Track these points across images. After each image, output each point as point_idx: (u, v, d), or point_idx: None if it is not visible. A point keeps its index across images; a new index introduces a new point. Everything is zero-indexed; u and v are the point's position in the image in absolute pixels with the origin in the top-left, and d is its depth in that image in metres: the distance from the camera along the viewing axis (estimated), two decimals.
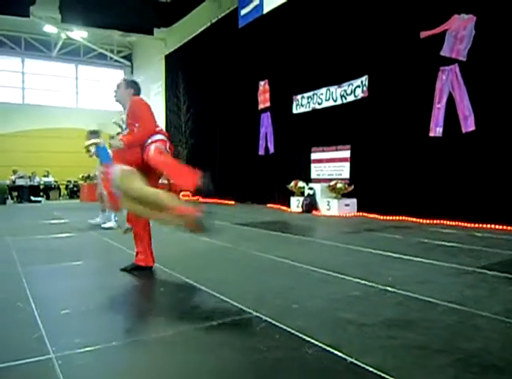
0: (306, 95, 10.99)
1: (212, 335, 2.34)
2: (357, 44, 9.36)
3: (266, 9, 11.98)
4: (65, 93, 22.78)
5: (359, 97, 9.44)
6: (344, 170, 9.86)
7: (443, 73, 7.58)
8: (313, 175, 10.83)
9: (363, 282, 3.39)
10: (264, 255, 4.64)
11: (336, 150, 10.07)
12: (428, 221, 7.53)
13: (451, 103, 7.46)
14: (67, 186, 20.37)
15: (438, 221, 7.39)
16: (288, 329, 2.37)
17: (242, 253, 4.86)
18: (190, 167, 3.68)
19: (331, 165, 10.24)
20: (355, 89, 9.52)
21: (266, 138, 12.55)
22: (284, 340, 2.23)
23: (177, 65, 17.54)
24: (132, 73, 23.55)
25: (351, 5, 9.55)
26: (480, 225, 6.80)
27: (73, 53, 22.31)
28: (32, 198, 17.21)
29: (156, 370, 1.96)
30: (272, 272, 3.93)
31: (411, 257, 4.37)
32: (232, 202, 13.37)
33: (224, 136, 14.70)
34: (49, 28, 18.92)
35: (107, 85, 22.32)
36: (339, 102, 9.98)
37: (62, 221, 8.78)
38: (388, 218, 8.24)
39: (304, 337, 2.25)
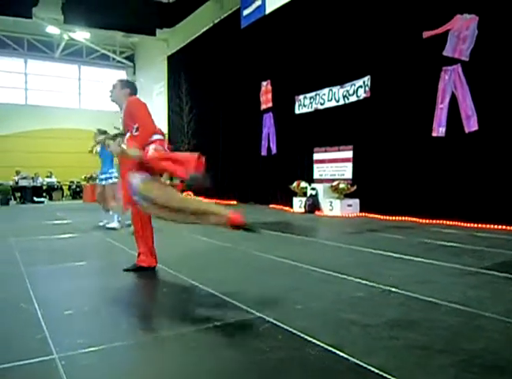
0: (308, 95, 10.99)
1: (214, 336, 2.34)
2: (359, 44, 9.35)
3: (268, 10, 11.98)
4: (67, 94, 22.82)
5: (361, 97, 9.43)
6: (347, 171, 9.85)
7: (446, 73, 7.57)
8: (315, 176, 10.83)
9: (365, 282, 3.39)
10: (266, 255, 4.65)
11: (339, 150, 10.07)
12: (430, 221, 7.52)
13: (454, 102, 7.45)
14: (70, 187, 20.42)
15: (441, 221, 7.38)
16: (291, 330, 2.37)
17: (244, 254, 4.86)
18: (190, 155, 3.45)
19: (333, 165, 10.23)
20: (358, 89, 9.52)
21: (269, 138, 12.55)
22: (287, 341, 2.23)
23: (179, 66, 17.56)
24: (134, 73, 23.58)
25: (353, 5, 9.55)
26: (483, 225, 6.79)
27: (75, 54, 22.35)
28: (35, 199, 17.25)
29: (159, 370, 1.96)
30: (275, 272, 3.93)
31: (413, 258, 4.36)
32: (235, 202, 13.37)
33: (227, 136, 14.71)
34: (51, 29, 18.96)
35: (109, 86, 22.33)
36: (341, 102, 9.98)
37: (65, 222, 8.80)
38: (390, 218, 8.23)
39: (307, 337, 2.25)
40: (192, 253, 4.95)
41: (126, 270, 3.98)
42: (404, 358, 2.01)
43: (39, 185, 18.21)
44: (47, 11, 16.42)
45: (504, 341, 2.19)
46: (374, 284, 3.32)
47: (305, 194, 10.35)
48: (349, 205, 9.34)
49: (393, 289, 3.17)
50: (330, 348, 2.11)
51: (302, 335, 2.29)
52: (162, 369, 1.98)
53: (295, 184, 10.66)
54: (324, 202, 9.81)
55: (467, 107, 7.24)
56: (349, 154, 9.80)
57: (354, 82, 9.60)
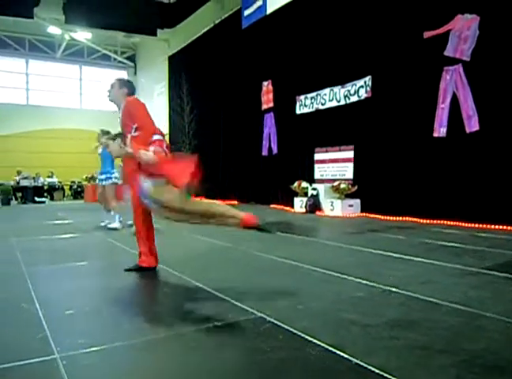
0: (309, 95, 10.99)
1: (215, 336, 2.35)
2: (360, 44, 9.35)
3: (270, 10, 11.99)
4: (69, 94, 22.85)
5: (362, 97, 9.43)
6: (348, 171, 9.85)
7: (447, 73, 7.57)
8: (316, 176, 10.83)
9: (366, 282, 3.39)
10: (267, 255, 4.65)
11: (340, 150, 10.07)
12: (431, 221, 7.52)
13: (455, 103, 7.45)
14: (71, 187, 20.45)
15: (442, 221, 7.37)
16: (292, 330, 2.37)
17: (245, 254, 4.87)
18: (187, 162, 3.47)
19: (334, 165, 10.23)
20: (359, 89, 9.52)
21: (270, 139, 12.55)
22: (288, 341, 2.23)
23: (180, 66, 17.57)
24: (135, 73, 23.61)
25: (354, 5, 9.55)
26: (484, 225, 6.78)
27: (76, 54, 22.38)
28: (36, 199, 17.28)
29: (160, 371, 1.97)
30: (276, 272, 3.93)
31: (414, 258, 4.36)
32: (235, 202, 13.38)
33: (228, 136, 14.71)
34: (53, 29, 18.99)
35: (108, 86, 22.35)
36: (342, 102, 9.98)
37: (66, 222, 8.81)
38: (391, 218, 8.22)
39: (307, 337, 2.25)
40: (193, 254, 4.95)
41: (128, 270, 3.98)
42: (405, 358, 2.01)
43: (40, 185, 18.24)
44: (48, 11, 16.44)
45: (505, 341, 2.19)
46: (374, 284, 3.32)
47: (306, 194, 10.35)
48: (350, 205, 9.34)
49: (394, 289, 3.17)
50: (331, 348, 2.11)
51: (302, 335, 2.29)
52: (163, 369, 1.98)
53: (296, 184, 10.66)
54: (325, 202, 9.81)
55: (468, 107, 7.24)
56: (350, 154, 9.80)
57: (355, 82, 9.59)
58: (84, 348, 2.16)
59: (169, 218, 3.50)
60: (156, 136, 3.75)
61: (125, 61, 23.46)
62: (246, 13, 12.98)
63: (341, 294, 3.11)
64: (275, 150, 12.34)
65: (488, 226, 6.72)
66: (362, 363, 1.94)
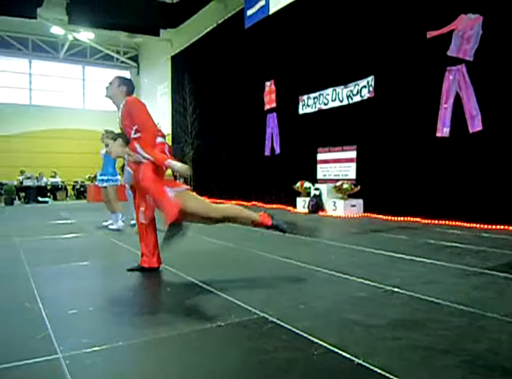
0: (312, 95, 10.99)
1: (218, 336, 2.35)
2: (363, 44, 9.34)
3: (272, 10, 11.98)
4: (72, 94, 22.91)
5: (365, 97, 9.42)
6: (351, 171, 9.85)
7: (450, 73, 7.55)
8: (319, 176, 10.83)
9: (368, 283, 3.38)
10: (270, 255, 4.65)
11: (343, 150, 10.06)
12: (434, 221, 7.51)
13: (458, 103, 7.43)
14: (74, 187, 20.49)
15: (444, 222, 7.36)
16: (295, 330, 2.37)
17: (248, 254, 4.87)
18: (173, 201, 3.50)
19: (337, 165, 10.22)
20: (362, 89, 9.51)
21: (272, 139, 12.55)
22: (291, 341, 2.23)
23: (183, 66, 17.59)
24: (138, 74, 23.65)
25: (357, 5, 9.54)
26: (487, 226, 6.77)
27: (79, 54, 22.44)
28: (39, 199, 17.31)
29: (163, 370, 1.97)
30: (278, 272, 3.93)
31: (417, 258, 4.35)
32: (238, 202, 13.38)
33: (230, 136, 14.72)
34: (56, 30, 19.04)
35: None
36: (345, 102, 9.97)
37: (69, 221, 8.83)
38: (394, 218, 8.22)
39: (310, 338, 2.25)
40: (196, 254, 4.95)
41: (130, 270, 3.99)
42: (408, 358, 2.01)
43: (43, 185, 18.28)
44: (51, 11, 16.51)
45: (507, 342, 2.18)
46: (377, 284, 3.32)
47: (308, 194, 10.34)
48: (353, 205, 9.33)
49: (397, 289, 3.17)
50: (333, 348, 2.11)
51: (305, 335, 2.29)
52: (166, 369, 1.98)
53: (298, 184, 10.66)
54: (327, 202, 9.80)
55: (471, 107, 7.22)
56: (353, 154, 9.79)
57: (358, 82, 9.58)
58: (87, 348, 2.17)
59: (188, 221, 3.64)
60: (159, 139, 3.73)
61: (128, 61, 23.51)
62: (249, 13, 12.98)
63: (344, 294, 3.11)
64: (277, 150, 12.34)
65: (491, 226, 6.71)
66: (364, 363, 1.94)
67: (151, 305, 3.15)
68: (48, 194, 18.50)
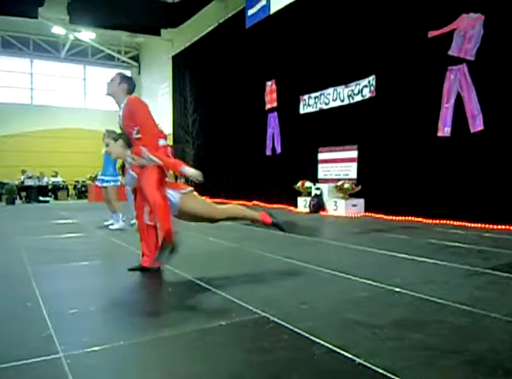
0: (313, 95, 10.98)
1: (219, 336, 2.34)
2: (364, 44, 9.33)
3: (273, 10, 11.97)
4: (73, 94, 22.93)
5: (366, 97, 9.41)
6: (352, 171, 9.84)
7: (451, 73, 7.54)
8: (320, 175, 10.82)
9: (371, 282, 3.37)
10: (271, 255, 4.64)
11: (344, 150, 10.05)
12: (436, 221, 7.49)
13: (459, 102, 7.42)
14: (75, 186, 20.50)
15: (446, 221, 7.35)
16: (296, 330, 2.36)
17: (250, 254, 4.86)
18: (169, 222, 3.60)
19: (338, 165, 10.22)
20: (363, 89, 9.50)
21: (273, 138, 12.55)
22: (292, 341, 2.23)
23: (184, 66, 17.59)
24: (139, 73, 23.66)
25: (358, 4, 9.53)
26: (488, 225, 6.75)
27: (81, 54, 22.46)
28: (41, 198, 17.32)
29: (164, 370, 1.97)
30: (280, 272, 3.92)
31: (419, 258, 4.34)
32: (239, 202, 13.38)
33: (231, 136, 14.72)
34: (57, 30, 19.06)
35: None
36: (346, 102, 9.96)
37: (71, 221, 8.84)
38: (395, 218, 8.20)
39: (312, 338, 2.24)
40: (198, 253, 4.95)
41: (132, 269, 3.98)
42: (411, 358, 2.00)
43: (44, 184, 18.29)
44: (52, 11, 16.51)
45: (510, 342, 2.17)
46: (379, 284, 3.31)
47: (309, 194, 10.34)
48: (354, 205, 9.32)
49: (399, 289, 3.16)
50: (336, 349, 2.10)
51: (307, 335, 2.28)
52: (167, 369, 1.98)
53: (299, 184, 10.66)
54: (328, 202, 9.79)
55: (472, 107, 7.21)
56: (354, 154, 9.78)
57: (359, 82, 9.57)
58: (89, 347, 2.16)
59: (186, 220, 3.79)
60: (161, 142, 3.70)
61: (129, 61, 23.53)
62: (250, 12, 12.97)
63: (346, 294, 3.10)
64: (278, 150, 12.34)
65: (493, 226, 6.70)
66: (367, 364, 1.93)
67: (152, 304, 3.15)
68: (49, 194, 18.52)
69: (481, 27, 7.09)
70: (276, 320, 2.53)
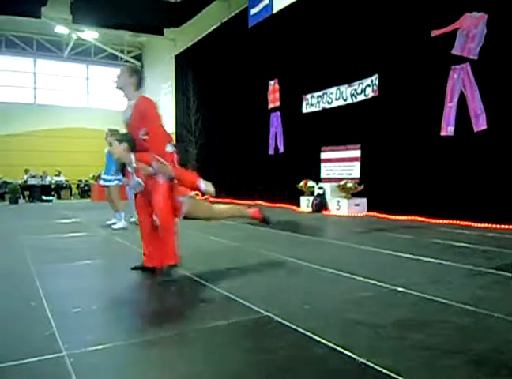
0: (316, 94, 10.97)
1: (221, 335, 2.35)
2: (367, 43, 9.31)
3: (276, 9, 11.97)
4: (76, 93, 22.98)
5: (369, 96, 9.39)
6: (354, 170, 9.82)
7: (454, 72, 7.52)
8: (323, 175, 10.80)
9: (374, 282, 3.37)
10: (273, 254, 4.64)
11: (346, 149, 10.04)
12: (439, 221, 7.47)
13: (463, 101, 7.40)
14: (78, 186, 20.55)
15: (449, 221, 7.32)
16: (299, 329, 2.36)
17: (252, 253, 4.86)
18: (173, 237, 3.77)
19: (341, 164, 10.20)
20: (366, 88, 9.48)
21: (276, 138, 12.54)
22: (295, 340, 2.23)
23: (187, 65, 17.60)
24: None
25: (361, 3, 9.51)
26: (492, 225, 6.73)
27: (84, 53, 22.50)
28: (44, 197, 17.38)
29: (166, 369, 1.97)
30: (283, 271, 3.92)
31: (422, 258, 4.33)
32: (242, 201, 13.37)
33: (234, 135, 14.72)
34: (60, 29, 19.09)
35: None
36: (349, 101, 9.94)
37: (74, 220, 8.86)
38: (398, 218, 8.18)
39: (315, 337, 2.24)
40: (200, 253, 4.95)
41: (134, 268, 3.98)
42: (413, 358, 1.99)
43: (47, 183, 18.35)
44: (55, 11, 16.53)
45: None
46: (382, 284, 3.30)
47: (312, 193, 10.33)
48: (357, 205, 9.30)
49: (402, 289, 3.16)
50: (338, 348, 2.10)
51: (309, 334, 2.28)
52: (169, 367, 1.98)
53: (302, 183, 10.64)
54: (331, 201, 9.78)
55: (476, 106, 7.19)
56: (357, 153, 9.76)
57: (362, 81, 9.56)
58: (91, 346, 2.17)
59: (186, 218, 3.97)
60: (169, 148, 3.67)
61: (132, 60, 23.54)
62: (253, 11, 12.97)
63: (349, 293, 3.10)
64: (281, 149, 12.33)
65: (497, 226, 6.67)
66: (369, 363, 1.93)
67: (155, 303, 3.15)
68: (52, 193, 18.57)
69: (484, 26, 7.07)
70: (278, 319, 2.53)
